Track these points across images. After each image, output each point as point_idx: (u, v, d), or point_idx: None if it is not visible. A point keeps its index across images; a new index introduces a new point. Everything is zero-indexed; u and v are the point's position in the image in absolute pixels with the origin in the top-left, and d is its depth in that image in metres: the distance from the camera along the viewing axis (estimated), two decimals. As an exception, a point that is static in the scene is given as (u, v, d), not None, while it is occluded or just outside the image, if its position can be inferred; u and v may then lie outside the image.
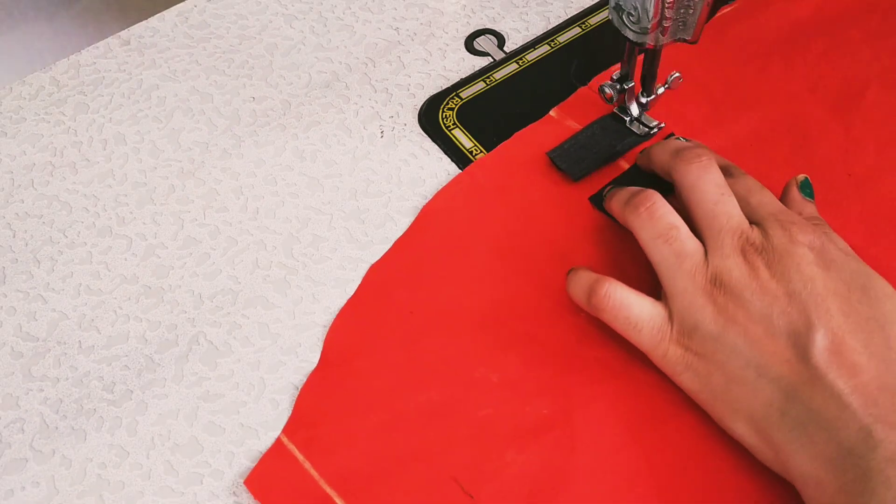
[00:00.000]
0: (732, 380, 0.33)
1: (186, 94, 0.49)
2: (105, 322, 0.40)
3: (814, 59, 0.48)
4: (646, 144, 0.45)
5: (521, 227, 0.42)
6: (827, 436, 0.31)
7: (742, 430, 0.33)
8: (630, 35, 0.40)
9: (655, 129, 0.45)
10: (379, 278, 0.41)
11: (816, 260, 0.33)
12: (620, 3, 0.39)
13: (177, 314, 0.40)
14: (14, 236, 0.44)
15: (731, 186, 0.37)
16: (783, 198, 0.39)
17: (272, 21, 0.53)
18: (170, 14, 0.54)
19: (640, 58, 0.43)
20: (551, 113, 0.47)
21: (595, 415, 0.36)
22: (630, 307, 0.35)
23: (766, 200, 0.36)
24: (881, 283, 0.33)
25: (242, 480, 0.35)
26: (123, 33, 0.53)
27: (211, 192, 0.45)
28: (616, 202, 0.39)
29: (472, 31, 0.52)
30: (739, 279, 0.34)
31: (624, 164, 0.44)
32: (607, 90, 0.44)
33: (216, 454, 0.36)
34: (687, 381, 0.34)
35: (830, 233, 0.35)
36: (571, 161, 0.44)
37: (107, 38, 0.52)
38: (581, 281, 0.37)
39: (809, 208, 0.38)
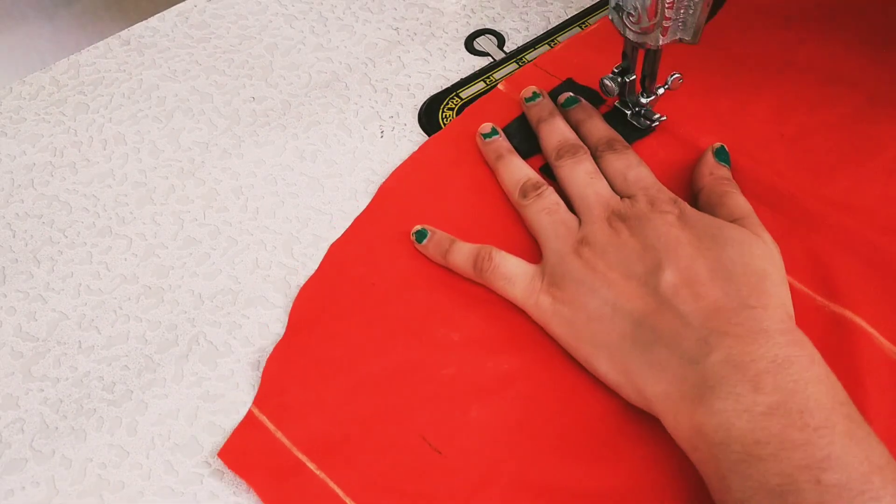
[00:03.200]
0: (592, 318, 0.36)
1: (186, 94, 0.49)
2: (105, 322, 0.40)
3: (752, 30, 0.50)
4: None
5: (475, 198, 0.44)
6: (669, 351, 0.34)
7: (604, 366, 0.36)
8: (630, 35, 0.40)
9: (657, 123, 0.45)
10: (340, 254, 0.42)
11: (673, 221, 0.38)
12: (620, 3, 0.39)
13: (177, 314, 0.40)
14: (14, 236, 0.44)
15: (613, 162, 0.42)
16: (700, 160, 0.43)
17: (272, 21, 0.53)
18: (170, 14, 0.54)
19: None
20: (500, 87, 0.48)
21: (553, 368, 0.38)
22: (506, 265, 0.39)
23: (641, 175, 0.41)
24: (732, 232, 0.37)
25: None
26: (123, 33, 0.53)
27: (211, 192, 0.45)
28: (510, 189, 0.43)
29: (472, 31, 0.52)
30: (602, 237, 0.38)
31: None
32: (608, 83, 0.44)
33: (216, 454, 0.36)
34: (556, 326, 0.37)
35: (688, 206, 0.39)
36: (521, 138, 0.45)
37: (107, 38, 0.52)
38: (463, 251, 0.40)
39: (723, 170, 0.42)
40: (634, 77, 0.44)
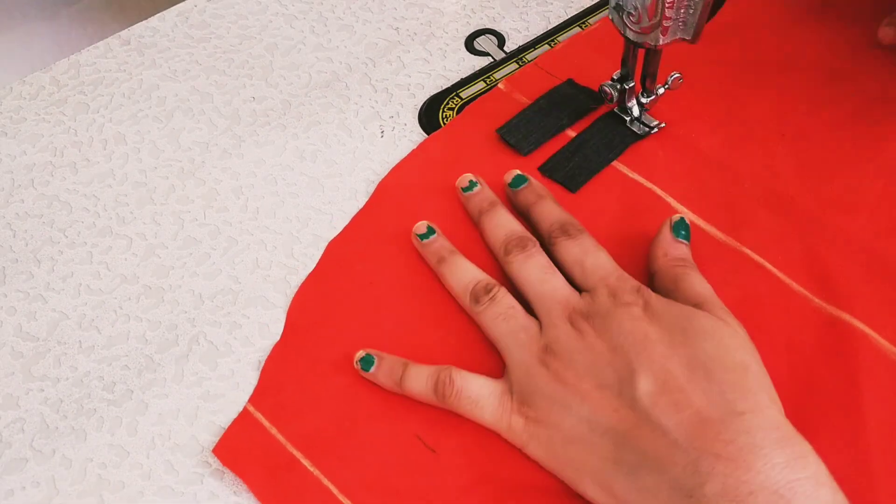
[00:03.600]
0: (569, 440, 0.34)
1: (186, 94, 0.49)
2: (105, 322, 0.40)
3: (752, 30, 0.50)
4: (592, 116, 0.46)
5: None
6: (658, 477, 0.31)
7: (590, 491, 0.33)
8: (630, 35, 0.40)
9: (655, 129, 0.45)
10: (338, 252, 0.42)
11: (639, 314, 0.35)
12: (620, 3, 0.39)
13: (177, 314, 0.40)
14: (14, 236, 0.44)
15: (568, 249, 0.39)
16: (656, 237, 0.39)
17: (272, 21, 0.53)
18: (170, 14, 0.54)
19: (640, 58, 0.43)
20: (500, 86, 0.48)
21: None
22: (470, 388, 0.36)
23: (599, 262, 0.38)
24: (702, 322, 0.34)
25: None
26: (123, 33, 0.53)
27: (211, 192, 0.45)
28: (459, 294, 0.39)
29: (472, 31, 0.52)
30: (567, 343, 0.35)
31: (571, 133, 0.46)
32: (607, 90, 0.44)
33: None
34: (533, 450, 0.35)
35: (652, 294, 0.36)
36: (520, 136, 0.45)
37: (107, 38, 0.52)
38: (420, 376, 0.36)
39: (679, 250, 0.39)
40: (633, 84, 0.44)
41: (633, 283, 0.37)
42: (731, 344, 0.34)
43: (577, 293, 0.37)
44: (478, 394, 0.36)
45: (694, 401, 0.32)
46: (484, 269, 0.40)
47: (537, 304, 0.37)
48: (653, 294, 0.36)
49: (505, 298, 0.38)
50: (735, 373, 0.32)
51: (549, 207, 0.41)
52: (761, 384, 0.33)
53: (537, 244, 0.39)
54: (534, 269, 0.38)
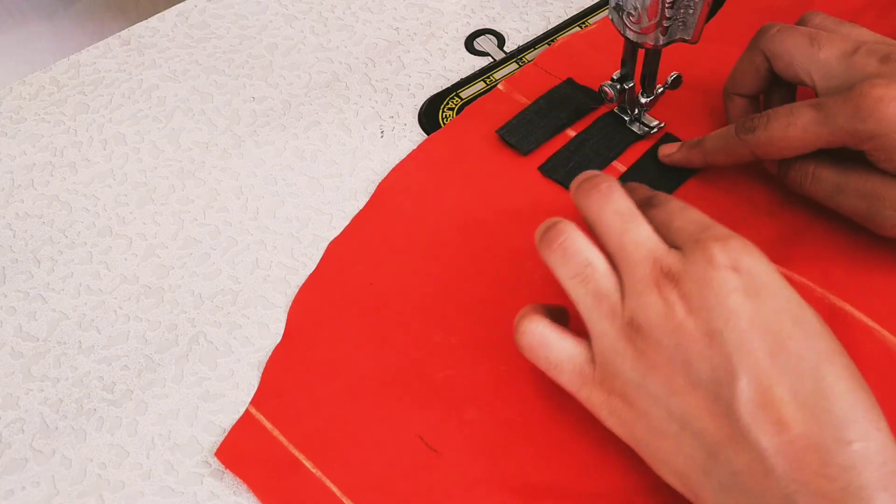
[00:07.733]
0: (655, 431, 0.31)
1: (186, 94, 0.49)
2: (105, 322, 0.40)
3: (752, 30, 0.49)
4: (592, 116, 0.46)
5: (475, 198, 0.44)
6: (751, 502, 0.28)
7: (671, 480, 0.31)
8: (630, 35, 0.40)
9: (655, 129, 0.45)
10: (338, 253, 0.42)
11: (740, 285, 0.30)
12: (620, 3, 0.39)
13: (177, 314, 0.40)
14: (14, 236, 0.44)
15: (655, 217, 0.33)
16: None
17: (272, 21, 0.53)
18: (170, 14, 0.54)
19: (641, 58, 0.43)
20: (499, 87, 0.48)
21: None
22: (550, 347, 0.33)
23: (687, 219, 0.33)
24: (812, 315, 0.30)
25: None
26: (123, 33, 0.53)
27: (211, 192, 0.45)
28: (537, 233, 0.34)
29: (472, 31, 0.52)
30: (655, 320, 0.30)
31: (571, 133, 0.46)
32: (607, 90, 0.44)
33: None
34: (612, 425, 0.33)
35: (755, 250, 0.31)
36: (520, 136, 0.45)
37: (107, 38, 0.52)
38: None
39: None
40: (633, 84, 0.44)
41: (724, 233, 0.31)
42: (838, 344, 0.30)
43: (666, 247, 0.32)
44: (557, 357, 0.33)
45: (800, 420, 0.28)
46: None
47: (619, 260, 0.32)
48: (755, 255, 0.30)
49: (581, 251, 0.32)
50: (848, 381, 0.29)
51: (632, 186, 0.37)
52: (869, 395, 0.29)
53: (617, 182, 0.34)
54: (612, 214, 0.32)
